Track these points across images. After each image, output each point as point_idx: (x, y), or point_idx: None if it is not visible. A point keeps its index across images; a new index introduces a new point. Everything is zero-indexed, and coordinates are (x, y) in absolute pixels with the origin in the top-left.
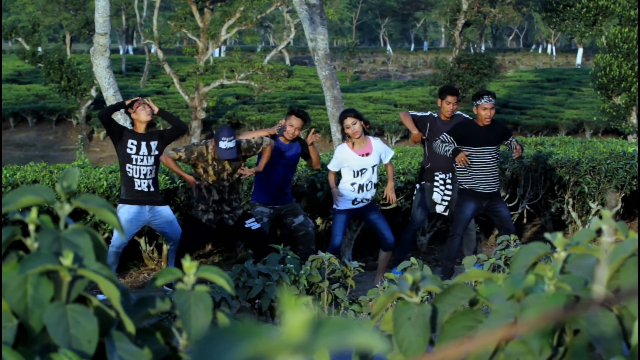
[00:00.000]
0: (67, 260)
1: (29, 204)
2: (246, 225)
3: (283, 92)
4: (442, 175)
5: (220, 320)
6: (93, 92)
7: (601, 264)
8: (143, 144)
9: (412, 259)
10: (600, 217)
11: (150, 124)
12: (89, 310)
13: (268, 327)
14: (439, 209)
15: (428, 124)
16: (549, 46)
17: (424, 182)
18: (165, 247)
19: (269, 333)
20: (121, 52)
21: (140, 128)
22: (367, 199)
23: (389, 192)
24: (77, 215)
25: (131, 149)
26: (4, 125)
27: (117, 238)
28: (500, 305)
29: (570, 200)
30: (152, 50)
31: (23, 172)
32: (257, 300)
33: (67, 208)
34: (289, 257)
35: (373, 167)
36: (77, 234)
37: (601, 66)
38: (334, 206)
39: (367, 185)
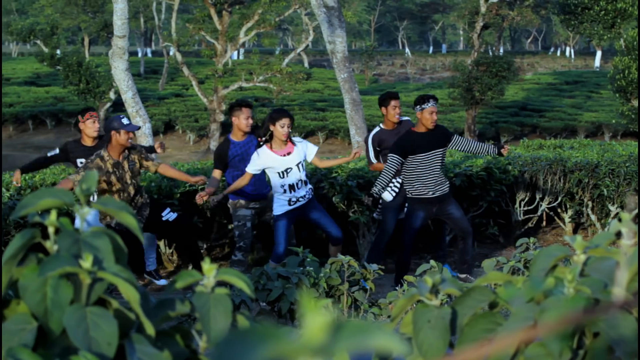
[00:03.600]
0: (86, 262)
1: (48, 207)
2: (163, 219)
3: (301, 94)
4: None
5: (239, 323)
6: (112, 95)
7: (621, 266)
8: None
9: (432, 262)
10: (620, 220)
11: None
12: (108, 312)
13: (288, 329)
14: (388, 197)
15: (378, 147)
16: (568, 49)
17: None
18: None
19: (289, 336)
20: (140, 54)
21: (88, 142)
22: (303, 197)
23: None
24: None
25: (82, 163)
26: (23, 127)
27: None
28: (519, 308)
29: (590, 203)
30: (171, 53)
31: (42, 175)
32: (276, 303)
33: (87, 210)
34: (308, 259)
35: (297, 164)
36: (96, 236)
37: (620, 69)
38: (273, 214)
39: (297, 183)
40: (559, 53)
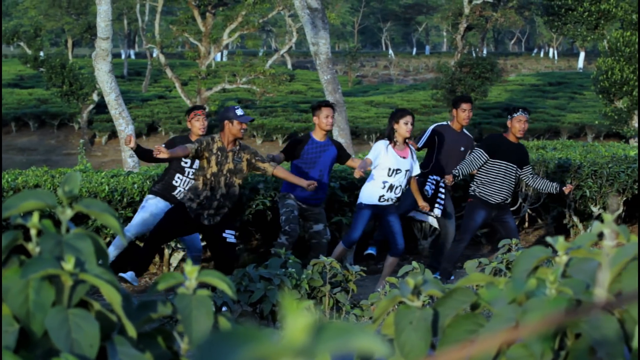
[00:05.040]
0: (68, 264)
1: (30, 209)
2: (224, 235)
3: (285, 96)
4: (437, 178)
5: (221, 325)
6: (95, 97)
7: (603, 267)
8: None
9: (414, 263)
10: (602, 221)
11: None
12: (90, 314)
13: (270, 331)
14: (437, 212)
15: (436, 138)
16: (551, 50)
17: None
18: (166, 252)
19: (271, 337)
20: (123, 56)
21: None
22: (393, 199)
23: (424, 204)
24: (79, 219)
25: (186, 163)
26: (6, 129)
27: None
28: (501, 309)
29: (572, 204)
30: (154, 55)
31: (25, 177)
32: (258, 305)
33: (69, 212)
34: (290, 261)
35: (406, 171)
36: (78, 238)
37: (603, 70)
38: (359, 201)
39: (396, 187)
40: (542, 54)
